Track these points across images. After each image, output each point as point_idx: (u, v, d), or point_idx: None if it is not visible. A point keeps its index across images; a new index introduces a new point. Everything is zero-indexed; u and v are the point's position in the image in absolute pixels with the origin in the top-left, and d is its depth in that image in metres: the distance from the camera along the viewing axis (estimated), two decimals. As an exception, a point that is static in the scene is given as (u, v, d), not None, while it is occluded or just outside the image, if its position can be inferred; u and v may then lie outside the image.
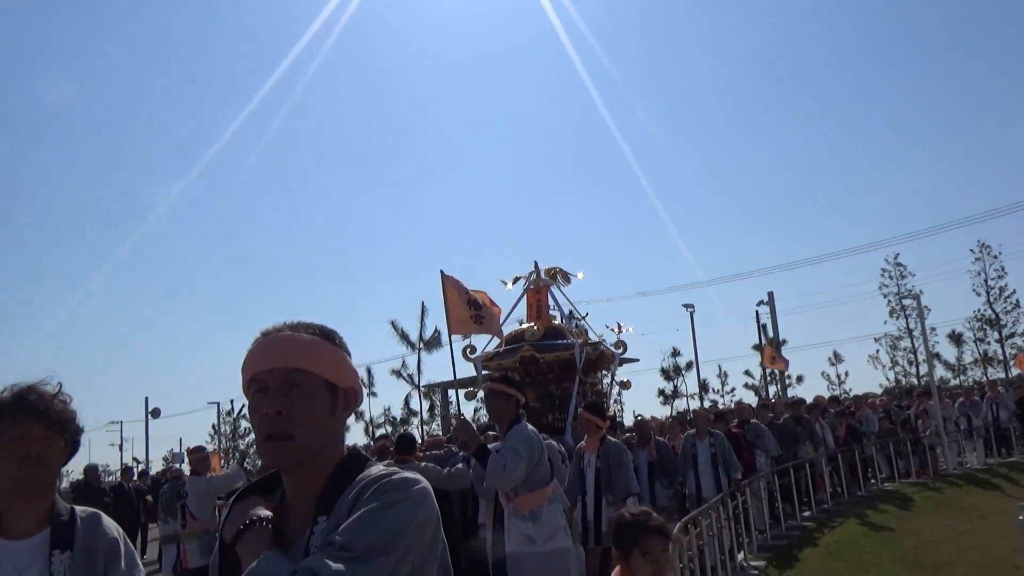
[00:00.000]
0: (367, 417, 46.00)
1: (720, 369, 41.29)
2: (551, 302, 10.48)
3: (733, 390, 38.60)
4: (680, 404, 37.84)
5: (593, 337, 10.57)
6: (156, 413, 34.98)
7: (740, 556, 8.57)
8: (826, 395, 31.19)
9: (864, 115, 76.27)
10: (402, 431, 7.90)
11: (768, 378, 36.00)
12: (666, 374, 41.05)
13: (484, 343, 10.41)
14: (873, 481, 14.61)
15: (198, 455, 8.32)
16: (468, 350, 10.24)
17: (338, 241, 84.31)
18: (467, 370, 10.62)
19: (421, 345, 38.66)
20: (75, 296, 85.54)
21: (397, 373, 39.78)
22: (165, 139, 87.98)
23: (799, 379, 39.43)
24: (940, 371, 32.89)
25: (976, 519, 12.20)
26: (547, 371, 10.14)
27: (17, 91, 79.50)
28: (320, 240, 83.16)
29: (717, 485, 8.80)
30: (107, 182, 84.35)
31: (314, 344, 1.45)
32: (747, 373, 39.32)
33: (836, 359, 38.14)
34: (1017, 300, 30.95)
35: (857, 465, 13.73)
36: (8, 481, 1.90)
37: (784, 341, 36.51)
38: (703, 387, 37.80)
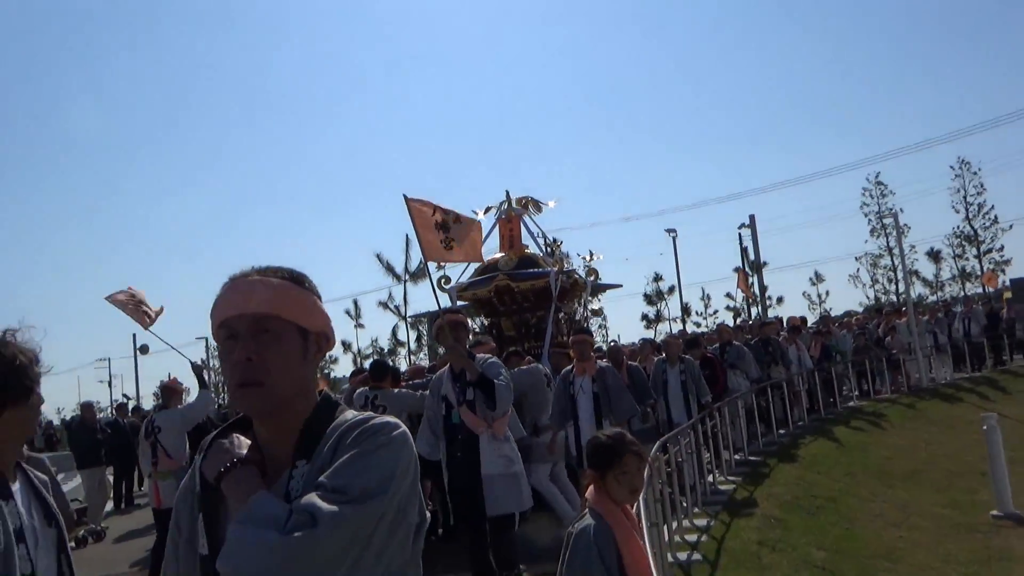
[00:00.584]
0: (355, 348, 46.49)
1: (703, 292, 41.74)
2: (524, 231, 10.49)
3: (716, 313, 39.31)
4: (663, 328, 38.33)
5: (567, 266, 10.66)
6: (145, 349, 34.74)
7: (710, 477, 8.77)
8: (808, 315, 31.88)
9: (844, 32, 75.74)
10: (375, 359, 7.84)
11: (750, 300, 36.48)
12: (649, 299, 41.54)
13: (459, 273, 10.45)
14: (849, 398, 15.08)
15: (170, 388, 8.04)
16: (443, 280, 10.27)
17: (321, 170, 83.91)
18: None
19: (407, 276, 38.80)
20: (61, 233, 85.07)
21: (384, 305, 40.05)
22: (137, 61, 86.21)
23: (779, 300, 40.14)
24: (919, 288, 33.46)
25: (946, 430, 12.67)
26: (522, 300, 10.18)
27: None
28: (302, 169, 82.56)
29: (688, 410, 8.95)
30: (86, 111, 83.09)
31: (283, 288, 1.44)
32: (728, 296, 39.77)
33: (817, 279, 38.64)
34: (995, 216, 31.38)
35: (833, 383, 14.14)
36: None
37: (765, 263, 36.86)
38: (685, 311, 38.53)
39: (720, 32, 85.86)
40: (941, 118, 68.52)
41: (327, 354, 1.55)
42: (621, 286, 43.61)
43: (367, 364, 10.09)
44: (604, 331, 41.24)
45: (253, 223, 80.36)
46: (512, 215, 10.39)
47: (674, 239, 36.56)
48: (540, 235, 10.69)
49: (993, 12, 66.62)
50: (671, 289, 40.29)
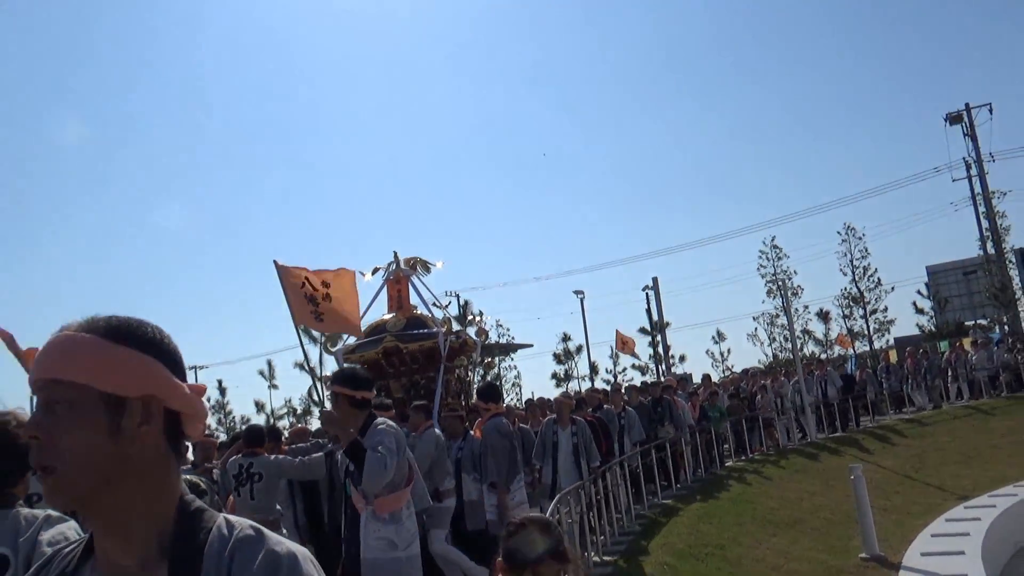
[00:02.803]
0: (268, 409, 45.19)
1: (612, 351, 43.39)
2: (412, 292, 10.79)
3: (625, 370, 40.38)
4: (573, 386, 39.29)
5: (455, 326, 11.05)
6: None
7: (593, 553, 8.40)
8: (712, 372, 33.64)
9: (741, 100, 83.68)
10: (250, 424, 7.67)
11: (657, 358, 38.36)
12: (558, 358, 42.82)
13: (345, 337, 10.61)
14: (727, 458, 16.00)
15: None
16: (328, 343, 10.39)
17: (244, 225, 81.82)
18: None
19: (323, 338, 38.27)
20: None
21: (300, 366, 39.31)
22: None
23: (682, 358, 42.00)
24: (811, 346, 36.04)
25: (830, 481, 13.78)
26: (411, 361, 10.38)
27: None
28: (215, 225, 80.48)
29: (579, 474, 8.77)
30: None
31: (85, 346, 1.15)
32: (634, 355, 41.41)
33: (720, 337, 40.90)
34: (879, 279, 34.52)
35: (713, 443, 15.01)
36: None
37: (668, 323, 39.23)
38: (594, 369, 39.65)
39: (625, 101, 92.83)
40: (832, 184, 76.56)
41: (198, 424, 1.26)
42: (532, 345, 44.56)
43: (281, 423, 9.87)
44: (518, 389, 42.02)
45: (163, 273, 77.03)
46: (400, 276, 10.66)
47: (581, 300, 38.56)
48: (430, 296, 11.00)
49: (879, 87, 75.66)
50: (578, 348, 42.00)
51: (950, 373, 21.94)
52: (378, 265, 10.94)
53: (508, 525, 2.82)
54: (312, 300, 7.86)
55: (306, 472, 7.01)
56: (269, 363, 45.06)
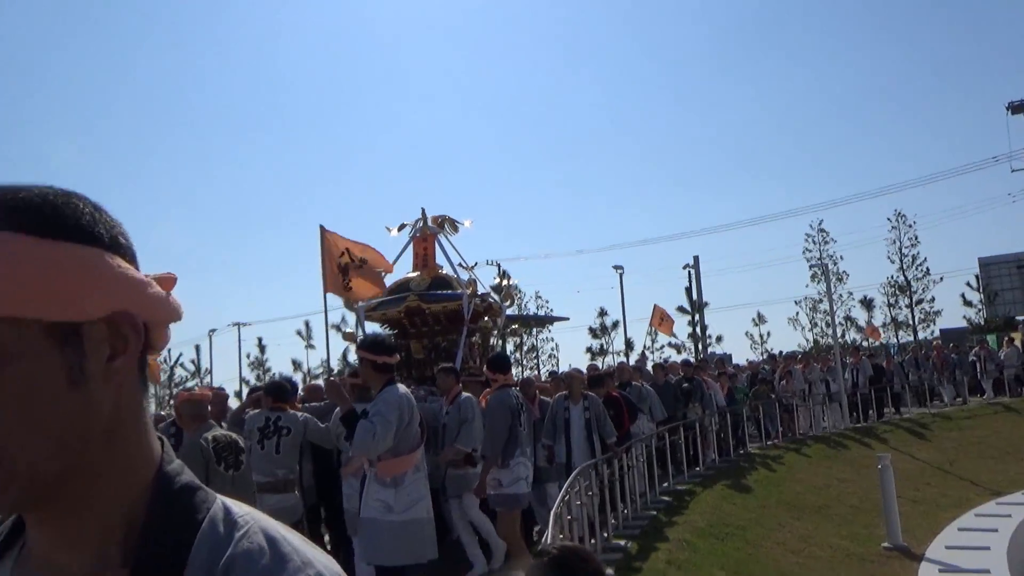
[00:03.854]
0: (304, 368, 46.24)
1: (650, 328, 43.76)
2: (438, 251, 10.73)
3: (662, 348, 40.60)
4: (609, 361, 39.61)
5: (481, 289, 10.95)
6: None
7: (606, 534, 8.20)
8: (751, 354, 33.64)
9: (795, 84, 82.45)
10: (278, 378, 7.73)
11: (695, 337, 38.43)
12: (594, 332, 43.02)
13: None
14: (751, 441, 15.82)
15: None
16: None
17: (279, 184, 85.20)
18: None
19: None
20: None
21: (337, 328, 40.07)
22: None
23: (719, 338, 42.48)
24: (852, 334, 35.68)
25: (860, 469, 13.70)
26: (433, 322, 10.37)
27: None
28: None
29: (592, 452, 8.48)
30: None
31: (5, 255, 0.69)
32: (671, 335, 41.63)
33: (760, 320, 40.74)
34: (927, 268, 33.95)
35: (741, 425, 14.90)
36: None
37: (707, 303, 39.33)
38: (629, 345, 40.08)
39: (672, 79, 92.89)
40: (880, 171, 75.25)
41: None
42: (568, 318, 45.24)
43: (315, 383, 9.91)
44: (555, 361, 42.76)
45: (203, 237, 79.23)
46: (427, 233, 10.61)
47: (620, 275, 38.96)
48: (456, 256, 10.85)
49: (936, 74, 73.89)
50: (615, 324, 42.41)
51: (979, 368, 21.58)
52: (405, 221, 10.91)
53: (544, 551, 2.33)
54: (344, 271, 8.09)
55: (327, 437, 7.02)
56: (307, 324, 46.90)
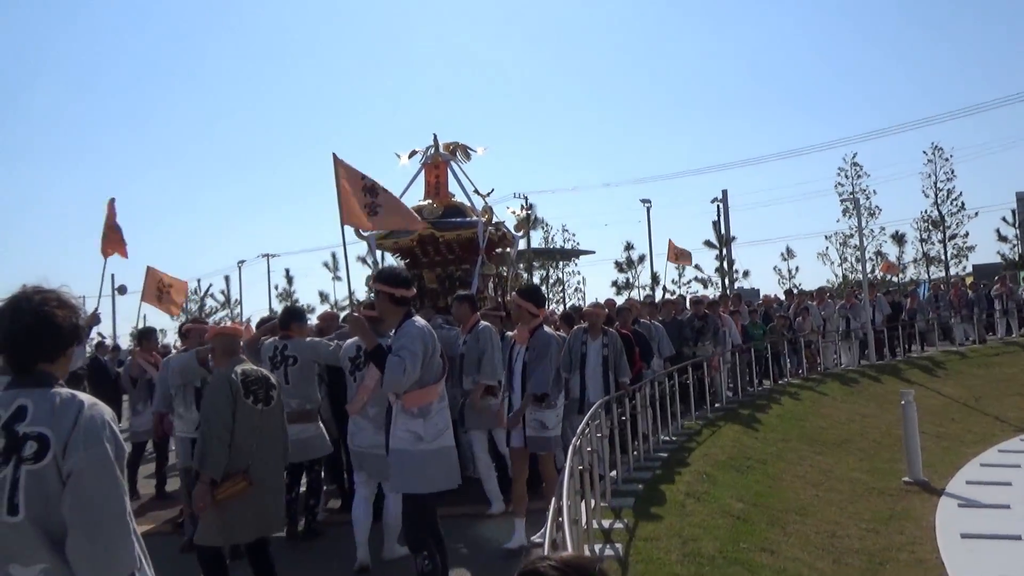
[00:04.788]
0: (332, 300, 47.39)
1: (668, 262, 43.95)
2: (451, 178, 10.50)
3: (689, 283, 40.37)
4: (634, 296, 39.74)
5: (496, 218, 10.72)
6: (123, 290, 35.80)
7: (615, 473, 7.93)
8: (778, 290, 33.56)
9: (825, 14, 79.87)
10: (287, 306, 7.55)
11: (722, 272, 38.44)
12: (620, 266, 43.32)
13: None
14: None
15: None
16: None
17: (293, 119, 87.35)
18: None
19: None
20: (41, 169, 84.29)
21: (363, 260, 40.45)
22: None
23: (746, 273, 42.19)
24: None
25: (884, 404, 13.67)
26: (447, 251, 10.16)
27: None
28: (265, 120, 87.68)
29: (606, 388, 8.35)
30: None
31: None
32: (697, 267, 41.60)
33: (788, 255, 40.63)
34: (963, 203, 33.38)
35: (752, 364, 14.59)
36: None
37: (734, 238, 39.25)
38: (655, 279, 40.00)
39: (701, 8, 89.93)
40: (916, 104, 73.81)
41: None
42: (594, 252, 45.25)
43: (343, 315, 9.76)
44: (581, 295, 42.61)
45: (224, 165, 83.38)
46: (439, 160, 10.35)
47: (648, 209, 39.11)
48: (470, 184, 10.52)
49: (969, 5, 71.44)
50: (641, 258, 42.44)
51: (998, 307, 21.32)
52: (416, 148, 10.66)
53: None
54: (371, 191, 7.79)
55: (340, 358, 6.83)
56: (333, 256, 47.07)
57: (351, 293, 8.87)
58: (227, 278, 53.21)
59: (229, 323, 6.20)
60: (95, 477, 2.26)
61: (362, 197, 7.66)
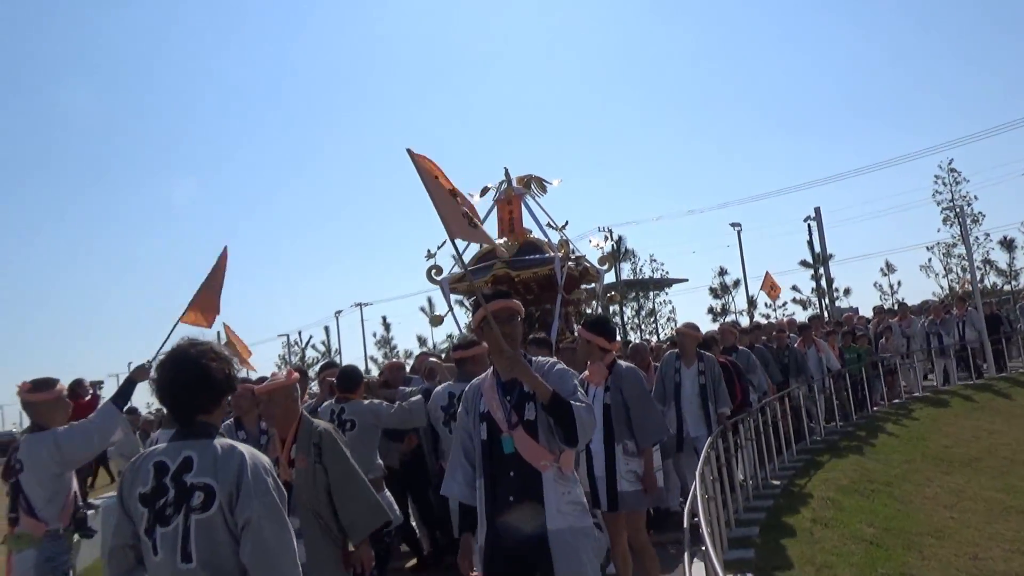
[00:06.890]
0: (430, 344, 49.04)
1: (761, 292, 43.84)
2: (526, 213, 10.42)
3: (784, 304, 40.30)
4: (731, 320, 39.41)
5: (575, 252, 10.55)
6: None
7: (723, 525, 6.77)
8: (881, 304, 32.53)
9: (910, 20, 79.99)
10: (345, 365, 7.19)
11: (820, 292, 37.94)
12: (714, 292, 43.58)
13: (450, 264, 10.49)
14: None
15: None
16: (433, 271, 10.23)
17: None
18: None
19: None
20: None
21: (460, 303, 41.30)
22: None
23: (847, 291, 41.74)
24: (992, 277, 34.32)
25: (1009, 419, 13.05)
26: (524, 291, 9.96)
27: None
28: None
29: (707, 422, 7.60)
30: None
31: None
32: (794, 288, 41.14)
33: (888, 269, 39.91)
34: None
35: (847, 392, 13.68)
36: None
37: (831, 255, 38.64)
38: (751, 303, 40.00)
39: (781, 22, 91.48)
40: (1009, 105, 72.99)
41: None
42: (687, 280, 45.16)
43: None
44: (673, 324, 42.63)
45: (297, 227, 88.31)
46: (512, 195, 10.32)
47: (738, 232, 39.32)
48: (545, 217, 10.49)
49: None
50: (736, 282, 42.93)
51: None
52: (488, 184, 10.66)
53: None
54: (454, 195, 7.41)
55: (405, 419, 6.42)
56: (429, 300, 48.64)
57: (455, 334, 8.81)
58: (327, 328, 56.28)
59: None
60: (271, 524, 2.55)
61: (455, 204, 7.33)
